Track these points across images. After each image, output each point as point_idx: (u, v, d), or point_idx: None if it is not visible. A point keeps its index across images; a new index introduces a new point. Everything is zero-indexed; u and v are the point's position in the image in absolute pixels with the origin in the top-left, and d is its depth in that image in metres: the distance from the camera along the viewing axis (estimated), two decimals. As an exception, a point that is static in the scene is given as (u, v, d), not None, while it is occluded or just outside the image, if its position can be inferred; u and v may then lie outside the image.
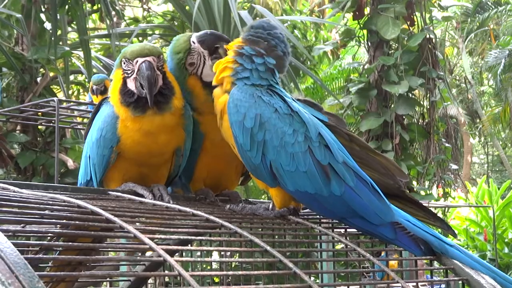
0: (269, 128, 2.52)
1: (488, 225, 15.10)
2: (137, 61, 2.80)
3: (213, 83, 2.74)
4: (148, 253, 3.32)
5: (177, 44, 3.00)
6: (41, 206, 1.92)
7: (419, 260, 2.53)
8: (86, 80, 9.80)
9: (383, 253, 5.91)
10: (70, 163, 8.18)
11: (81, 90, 12.69)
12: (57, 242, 2.34)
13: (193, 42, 2.94)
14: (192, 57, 2.95)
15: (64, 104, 6.62)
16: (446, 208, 11.63)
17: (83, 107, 7.10)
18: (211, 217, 2.20)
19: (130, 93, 2.82)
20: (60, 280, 2.98)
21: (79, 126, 7.66)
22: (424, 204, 2.76)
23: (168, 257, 1.70)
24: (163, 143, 2.87)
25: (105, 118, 2.88)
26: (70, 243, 1.72)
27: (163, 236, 1.91)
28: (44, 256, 2.22)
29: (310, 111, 2.67)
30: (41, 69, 9.02)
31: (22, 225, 2.03)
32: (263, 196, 10.47)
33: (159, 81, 2.82)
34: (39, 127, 8.55)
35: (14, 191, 2.16)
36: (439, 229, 2.80)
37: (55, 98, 6.13)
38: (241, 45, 2.70)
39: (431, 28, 11.39)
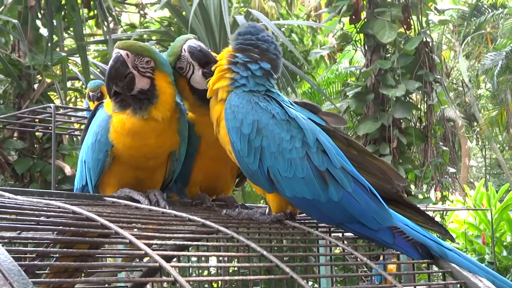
0: (267, 134, 2.52)
1: (486, 228, 15.09)
2: None
3: (208, 95, 2.74)
4: (146, 259, 3.31)
5: (172, 47, 3.01)
6: (36, 212, 1.91)
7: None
8: (83, 86, 9.79)
9: (381, 257, 5.92)
10: (67, 169, 8.16)
11: (78, 96, 12.68)
12: (53, 249, 2.33)
13: (184, 50, 2.95)
14: (181, 63, 2.96)
15: (61, 111, 6.62)
16: (444, 212, 11.63)
17: (80, 113, 7.10)
18: (207, 222, 2.20)
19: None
20: (58, 287, 2.97)
21: (76, 132, 7.66)
22: (422, 208, 2.75)
23: (163, 262, 1.69)
24: (154, 146, 2.86)
25: (100, 122, 2.88)
26: (66, 249, 1.71)
27: (159, 242, 1.90)
28: (39, 262, 2.21)
29: (307, 115, 2.66)
30: (38, 76, 9.02)
31: (17, 232, 2.03)
32: (261, 201, 10.46)
33: (135, 81, 2.80)
34: (36, 133, 8.54)
35: (9, 198, 2.15)
36: (437, 234, 2.79)
37: (51, 105, 6.12)
38: (233, 54, 2.70)
39: (428, 31, 11.38)
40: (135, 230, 2.06)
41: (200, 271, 4.21)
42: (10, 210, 1.90)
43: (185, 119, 2.99)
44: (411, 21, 11.01)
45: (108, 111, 2.88)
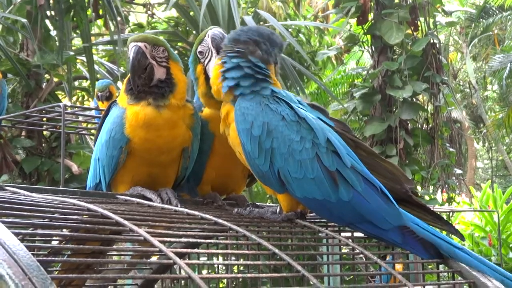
0: (277, 136, 2.53)
1: (492, 230, 15.06)
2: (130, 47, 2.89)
3: (215, 96, 2.78)
4: (153, 258, 3.34)
5: (200, 34, 3.10)
6: (52, 209, 1.94)
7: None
8: (91, 86, 9.83)
9: (388, 257, 5.92)
10: (75, 168, 8.19)
11: (85, 96, 12.73)
12: (68, 245, 2.35)
13: (208, 36, 3.01)
14: (202, 47, 3.03)
15: (69, 110, 6.64)
16: (451, 213, 11.62)
17: (88, 113, 7.14)
18: (220, 221, 2.22)
19: (130, 81, 2.91)
20: (68, 284, 3.00)
21: (84, 132, 7.69)
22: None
23: (178, 259, 1.71)
24: (168, 138, 2.91)
25: (114, 119, 2.92)
26: (82, 246, 1.74)
27: (173, 239, 1.92)
28: (56, 258, 2.23)
29: (317, 115, 2.68)
30: (46, 75, 9.06)
31: (31, 228, 2.05)
32: (268, 201, 10.48)
33: (154, 72, 2.88)
34: (44, 132, 8.58)
35: (24, 195, 2.18)
36: (446, 233, 2.81)
37: (61, 104, 6.15)
38: (223, 56, 2.74)
39: (435, 33, 11.39)
40: (148, 227, 2.09)
41: (209, 269, 4.23)
42: (27, 207, 1.92)
43: (197, 116, 3.04)
44: (419, 22, 11.02)
45: (123, 105, 2.93)
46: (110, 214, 1.93)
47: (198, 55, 3.04)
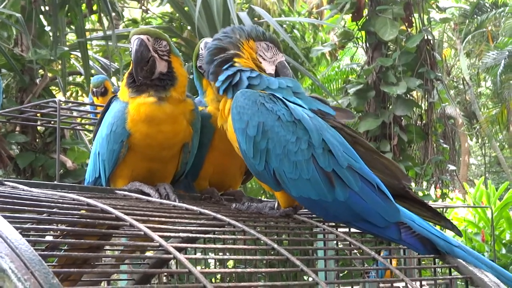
0: (272, 137, 2.52)
1: (485, 226, 15.13)
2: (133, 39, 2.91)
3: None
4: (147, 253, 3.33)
5: (195, 50, 3.13)
6: (52, 204, 1.94)
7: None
8: (85, 81, 9.81)
9: (382, 252, 5.93)
10: (69, 164, 8.17)
11: (79, 91, 12.69)
12: (67, 240, 2.36)
13: (201, 49, 3.05)
14: (200, 61, 3.10)
15: (64, 105, 6.63)
16: (444, 209, 11.67)
17: (82, 108, 7.12)
18: (218, 216, 2.23)
19: (131, 74, 2.93)
20: (65, 279, 3.00)
21: (78, 127, 7.68)
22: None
23: (178, 254, 1.72)
24: (169, 133, 2.92)
25: (115, 113, 2.93)
26: (81, 241, 1.75)
27: (173, 234, 1.93)
28: (58, 253, 2.24)
29: (317, 105, 2.68)
30: (40, 70, 9.04)
31: (31, 223, 2.05)
32: (262, 197, 10.48)
33: (156, 65, 2.90)
34: (38, 128, 8.56)
35: (23, 190, 2.18)
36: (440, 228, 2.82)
37: (56, 99, 6.13)
38: None
39: (429, 29, 11.41)
40: (147, 222, 2.09)
41: (205, 264, 4.24)
42: (27, 202, 1.93)
43: (198, 112, 3.05)
44: (413, 18, 11.03)
45: (124, 99, 2.94)
46: (110, 209, 1.93)
47: (200, 70, 3.09)
